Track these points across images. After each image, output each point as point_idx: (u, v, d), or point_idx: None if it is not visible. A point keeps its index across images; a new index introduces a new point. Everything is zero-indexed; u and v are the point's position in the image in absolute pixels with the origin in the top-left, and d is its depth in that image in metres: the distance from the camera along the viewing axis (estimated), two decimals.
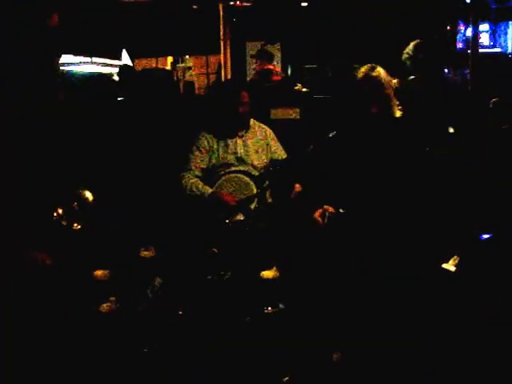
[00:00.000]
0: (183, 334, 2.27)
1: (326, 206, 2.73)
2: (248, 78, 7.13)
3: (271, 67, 6.32)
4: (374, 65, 2.81)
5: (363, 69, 2.79)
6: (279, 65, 7.33)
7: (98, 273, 2.41)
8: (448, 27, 6.87)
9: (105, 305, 2.34)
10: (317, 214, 2.73)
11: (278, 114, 4.75)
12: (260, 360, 2.17)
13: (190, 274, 2.64)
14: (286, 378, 2.12)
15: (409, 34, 7.19)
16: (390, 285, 2.26)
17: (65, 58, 5.05)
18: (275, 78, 6.19)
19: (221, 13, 6.39)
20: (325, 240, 2.64)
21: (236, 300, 2.44)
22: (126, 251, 2.62)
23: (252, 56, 7.14)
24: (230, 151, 3.59)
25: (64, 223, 2.73)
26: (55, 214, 2.67)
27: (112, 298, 2.37)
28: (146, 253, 2.52)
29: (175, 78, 6.87)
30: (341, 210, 2.68)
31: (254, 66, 6.96)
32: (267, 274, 2.47)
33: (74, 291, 2.37)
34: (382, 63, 2.91)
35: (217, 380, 2.13)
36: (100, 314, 2.31)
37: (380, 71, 2.78)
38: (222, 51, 6.50)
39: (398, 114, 2.79)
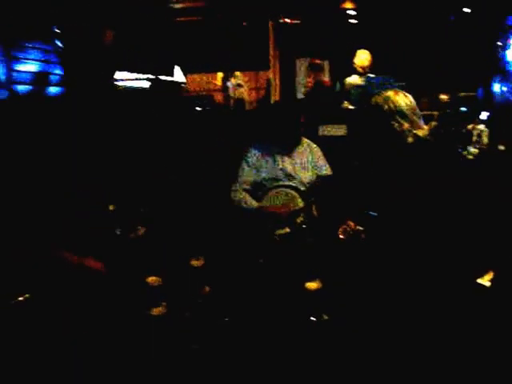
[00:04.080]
0: (229, 340, 2.36)
1: (348, 222, 2.77)
2: (297, 93, 7.25)
3: (323, 78, 6.42)
4: (390, 92, 2.55)
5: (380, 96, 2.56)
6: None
7: (151, 279, 2.52)
8: (498, 42, 6.79)
9: (156, 309, 2.45)
10: (340, 231, 2.78)
11: (325, 130, 4.83)
12: (305, 368, 2.23)
13: (238, 283, 2.73)
14: None
15: (458, 50, 7.18)
16: (424, 298, 2.28)
17: (120, 75, 5.28)
18: (325, 81, 6.29)
19: (270, 30, 6.53)
20: (348, 256, 2.71)
21: (281, 309, 2.52)
22: (177, 260, 2.73)
23: (306, 68, 7.25)
24: (277, 167, 3.69)
25: (120, 233, 2.89)
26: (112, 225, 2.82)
27: (163, 303, 2.48)
28: (196, 262, 2.62)
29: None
30: (359, 228, 2.72)
31: (303, 81, 7.06)
32: (311, 285, 2.53)
33: (129, 295, 2.50)
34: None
35: None
36: (152, 317, 2.42)
37: (390, 101, 2.51)
38: (272, 67, 6.63)
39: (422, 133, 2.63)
